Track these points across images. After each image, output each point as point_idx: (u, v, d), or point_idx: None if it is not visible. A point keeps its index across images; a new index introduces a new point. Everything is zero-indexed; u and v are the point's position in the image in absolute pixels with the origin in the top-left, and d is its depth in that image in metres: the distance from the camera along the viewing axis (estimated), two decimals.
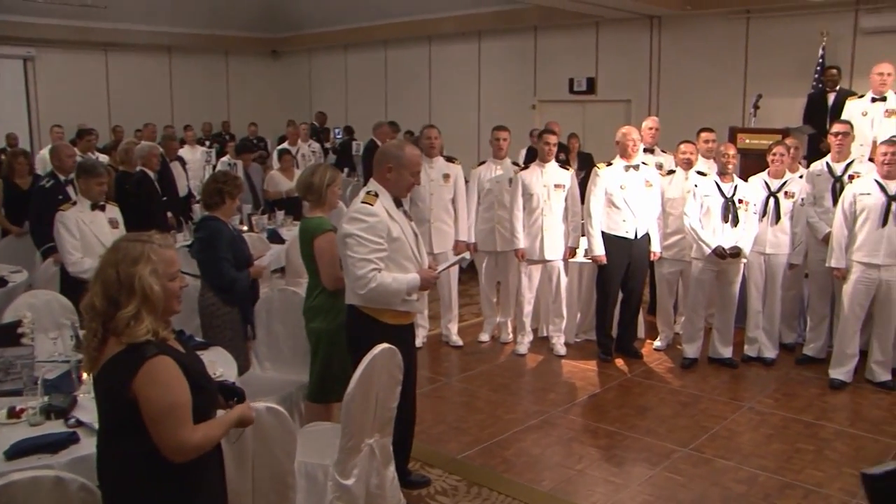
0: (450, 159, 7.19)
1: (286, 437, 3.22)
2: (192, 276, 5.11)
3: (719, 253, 6.45)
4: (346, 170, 12.62)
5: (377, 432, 3.80)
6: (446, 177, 7.03)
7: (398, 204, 4.19)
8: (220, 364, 4.00)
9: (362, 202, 4.05)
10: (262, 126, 15.62)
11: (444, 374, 6.73)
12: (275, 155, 11.19)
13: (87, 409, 3.38)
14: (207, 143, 14.11)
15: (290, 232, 7.93)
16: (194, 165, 11.32)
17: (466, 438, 5.35)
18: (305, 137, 12.41)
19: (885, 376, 6.27)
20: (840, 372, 6.28)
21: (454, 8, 13.24)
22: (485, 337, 7.53)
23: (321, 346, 4.51)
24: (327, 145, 14.23)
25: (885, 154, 6.05)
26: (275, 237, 8.08)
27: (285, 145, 11.75)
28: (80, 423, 3.31)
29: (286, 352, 5.07)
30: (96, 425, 2.66)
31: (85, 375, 3.62)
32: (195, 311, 4.96)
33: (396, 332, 4.07)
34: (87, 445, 3.03)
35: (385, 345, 3.70)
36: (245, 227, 8.15)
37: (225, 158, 10.64)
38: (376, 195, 4.08)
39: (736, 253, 6.46)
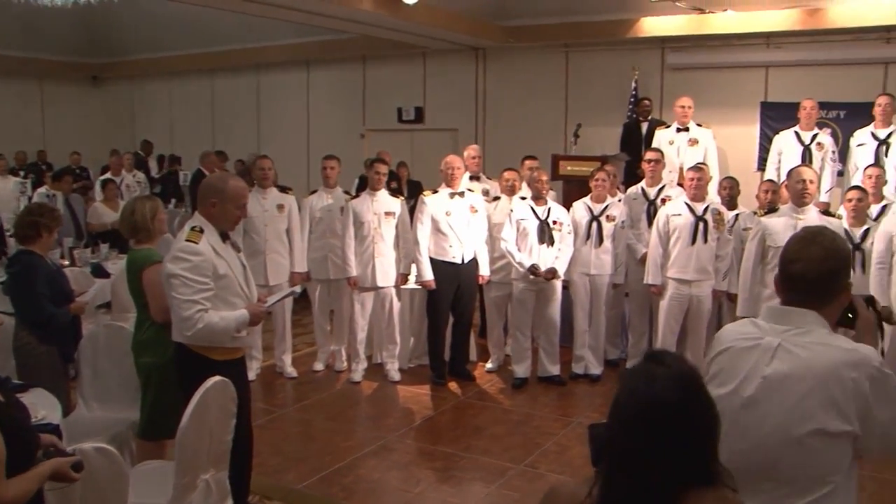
0: (283, 189, 7.13)
1: (117, 477, 3.11)
2: (6, 314, 4.86)
3: (533, 271, 6.73)
4: (173, 200, 12.26)
5: (213, 467, 3.72)
6: (280, 207, 6.95)
7: (225, 237, 4.09)
8: (41, 406, 3.80)
9: (186, 240, 3.89)
10: (83, 155, 14.88)
11: (279, 405, 6.65)
12: (98, 185, 10.74)
13: None
14: (22, 173, 13.32)
15: (116, 265, 7.60)
16: (6, 196, 10.67)
17: (305, 468, 5.32)
18: (129, 167, 11.95)
19: None
20: None
21: (281, 37, 13.12)
22: (319, 366, 7.50)
23: (152, 381, 4.38)
24: (154, 174, 13.76)
25: (692, 179, 6.56)
26: (99, 271, 7.70)
27: (109, 175, 11.26)
28: None
29: (114, 389, 4.85)
30: None
31: None
32: (10, 351, 4.70)
33: (226, 367, 3.95)
34: None
35: (217, 377, 3.63)
36: (67, 262, 7.77)
37: (42, 189, 10.09)
38: (201, 231, 3.93)
39: (551, 275, 6.76)
